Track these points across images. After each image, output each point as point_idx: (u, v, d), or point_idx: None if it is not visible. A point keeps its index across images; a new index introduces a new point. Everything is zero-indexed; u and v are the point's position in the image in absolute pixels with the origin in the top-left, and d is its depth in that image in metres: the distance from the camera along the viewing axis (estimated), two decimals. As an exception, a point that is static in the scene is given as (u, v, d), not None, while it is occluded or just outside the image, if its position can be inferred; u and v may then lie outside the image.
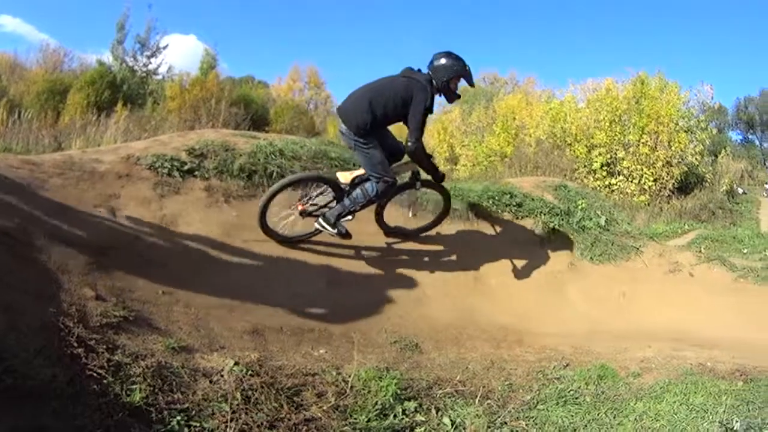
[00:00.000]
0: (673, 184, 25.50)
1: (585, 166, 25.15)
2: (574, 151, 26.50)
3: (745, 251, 11.14)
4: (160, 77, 33.88)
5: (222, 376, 3.54)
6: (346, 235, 6.51)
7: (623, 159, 24.87)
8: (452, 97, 6.49)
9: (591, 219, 9.07)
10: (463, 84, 6.49)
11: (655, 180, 24.93)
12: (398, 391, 3.79)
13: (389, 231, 7.32)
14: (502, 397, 4.36)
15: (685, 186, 26.99)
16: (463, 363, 5.01)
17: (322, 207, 6.64)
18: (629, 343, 6.14)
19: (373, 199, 6.49)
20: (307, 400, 3.54)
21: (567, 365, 5.30)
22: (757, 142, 64.30)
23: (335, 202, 6.60)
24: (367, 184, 6.44)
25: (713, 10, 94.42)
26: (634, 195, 24.35)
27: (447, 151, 33.94)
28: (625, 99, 27.00)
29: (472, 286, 7.16)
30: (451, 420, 3.67)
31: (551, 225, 8.52)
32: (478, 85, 52.05)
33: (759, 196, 36.78)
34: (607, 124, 25.64)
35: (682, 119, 26.80)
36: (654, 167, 24.99)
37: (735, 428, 3.93)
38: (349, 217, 6.54)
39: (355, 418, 3.44)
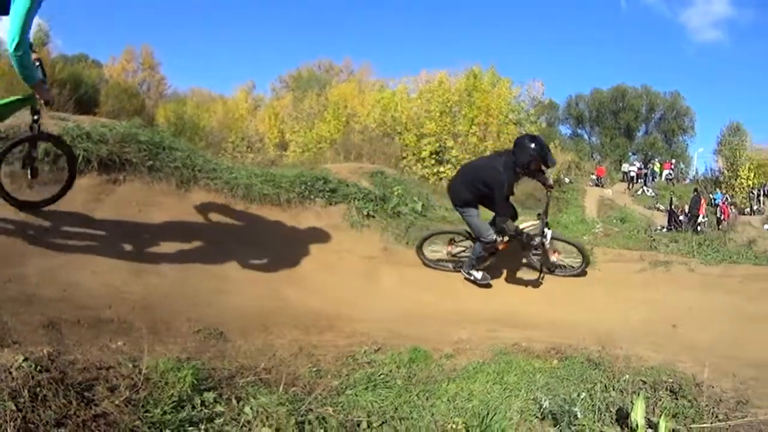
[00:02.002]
0: (501, 172, 26.48)
1: (414, 154, 25.70)
2: (404, 140, 27.04)
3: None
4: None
5: (10, 373, 3.32)
6: (482, 280, 7.74)
7: (452, 148, 25.63)
8: (534, 174, 7.47)
9: (407, 205, 9.32)
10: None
11: (482, 169, 25.76)
12: (196, 382, 3.66)
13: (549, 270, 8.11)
14: (309, 384, 4.27)
15: (513, 175, 28.06)
16: (270, 350, 4.92)
17: (464, 251, 8.05)
18: (444, 326, 6.28)
19: (480, 256, 7.61)
20: (99, 394, 3.36)
21: (378, 349, 5.29)
22: (586, 137, 68.53)
23: None
24: (476, 244, 7.60)
25: (553, 13, 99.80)
26: (463, 183, 25.06)
27: (277, 137, 33.78)
28: (458, 91, 27.84)
29: (283, 273, 7.10)
30: (252, 409, 3.56)
31: (365, 211, 8.65)
32: (311, 72, 52.26)
33: (585, 186, 39.32)
34: (438, 114, 26.30)
35: (512, 112, 28.02)
36: (482, 157, 25.83)
37: (543, 406, 4.04)
38: (488, 262, 7.86)
39: (149, 412, 3.30)
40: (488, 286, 7.75)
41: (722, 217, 28.17)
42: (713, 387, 4.51)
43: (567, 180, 37.60)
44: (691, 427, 3.85)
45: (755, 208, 40.47)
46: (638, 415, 3.70)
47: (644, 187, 40.61)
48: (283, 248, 7.45)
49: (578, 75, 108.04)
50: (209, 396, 3.60)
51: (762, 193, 43.16)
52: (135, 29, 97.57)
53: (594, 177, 43.76)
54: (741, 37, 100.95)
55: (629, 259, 8.95)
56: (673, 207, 27.87)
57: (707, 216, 27.57)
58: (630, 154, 64.42)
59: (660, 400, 4.25)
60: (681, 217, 25.80)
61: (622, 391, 4.36)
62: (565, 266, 8.23)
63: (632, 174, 44.07)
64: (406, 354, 5.15)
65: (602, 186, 41.23)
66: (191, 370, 3.73)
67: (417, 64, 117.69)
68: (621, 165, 50.59)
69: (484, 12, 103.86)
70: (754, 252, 9.39)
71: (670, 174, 46.91)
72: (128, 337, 4.51)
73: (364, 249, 8.10)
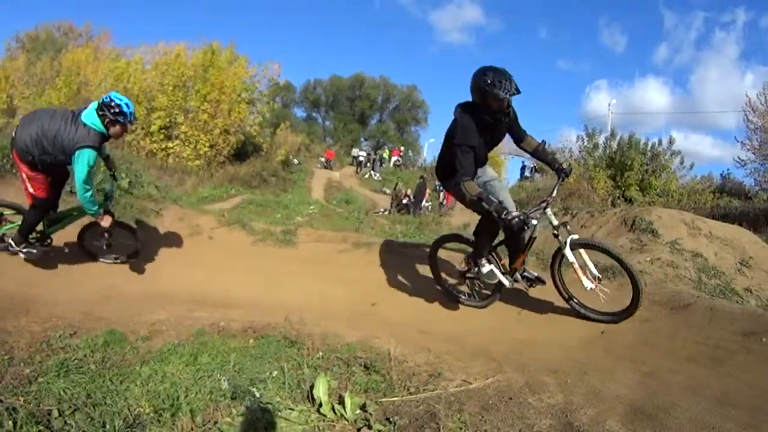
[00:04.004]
0: (229, 151, 26.89)
1: (143, 128, 25.28)
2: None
3: (278, 216, 12.15)
4: None
5: None
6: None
7: (182, 124, 25.52)
8: (496, 115, 5.66)
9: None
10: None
11: (211, 146, 26.05)
12: None
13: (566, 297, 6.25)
14: (-1, 374, 4.40)
15: (242, 154, 28.50)
16: (-39, 340, 4.73)
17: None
18: (143, 307, 6.26)
19: (475, 256, 6.44)
20: None
21: (74, 333, 5.17)
22: (320, 120, 70.38)
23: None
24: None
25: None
26: (190, 159, 25.20)
27: (6, 102, 31.73)
28: (194, 66, 27.60)
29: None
30: (-66, 405, 3.42)
31: (67, 187, 8.05)
32: (50, 33, 49.14)
33: (314, 168, 40.46)
34: (171, 88, 26.01)
35: (245, 91, 28.21)
36: (211, 134, 26.09)
37: (224, 387, 4.17)
38: (505, 282, 6.35)
39: None
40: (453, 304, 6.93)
41: (445, 203, 30.27)
42: (407, 361, 4.87)
43: (296, 162, 38.79)
44: (380, 401, 4.07)
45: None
46: (320, 392, 3.96)
47: (372, 172, 42.61)
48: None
49: (321, 61, 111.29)
50: None
51: (488, 182, 46.96)
52: None
53: (323, 159, 45.38)
54: (485, 42, 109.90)
55: (332, 239, 9.26)
56: (396, 191, 29.64)
57: (431, 201, 29.42)
58: (362, 139, 67.89)
59: (353, 375, 4.53)
60: (404, 201, 27.46)
61: (315, 368, 4.58)
62: (592, 309, 6.08)
63: (361, 158, 45.86)
64: (102, 337, 5.08)
65: (331, 168, 42.93)
66: None
67: (159, 34, 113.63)
68: (352, 150, 52.42)
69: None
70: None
71: (398, 160, 49.86)
72: None
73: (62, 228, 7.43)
